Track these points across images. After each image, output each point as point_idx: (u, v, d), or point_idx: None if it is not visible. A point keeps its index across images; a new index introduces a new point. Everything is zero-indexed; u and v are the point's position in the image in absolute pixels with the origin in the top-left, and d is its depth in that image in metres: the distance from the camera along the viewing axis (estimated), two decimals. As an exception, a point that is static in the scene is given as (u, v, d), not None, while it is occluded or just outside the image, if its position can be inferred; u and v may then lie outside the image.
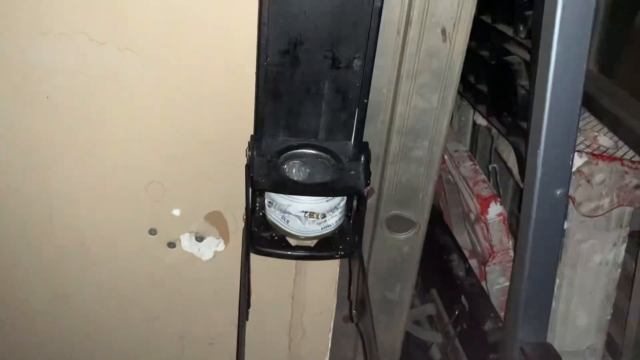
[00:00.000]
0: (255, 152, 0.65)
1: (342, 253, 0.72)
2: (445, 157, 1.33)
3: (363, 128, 0.71)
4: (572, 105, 0.81)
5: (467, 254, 1.34)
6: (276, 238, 0.72)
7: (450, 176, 1.36)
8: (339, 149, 0.69)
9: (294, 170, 0.65)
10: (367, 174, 0.67)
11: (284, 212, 0.66)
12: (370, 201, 1.09)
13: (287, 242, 0.71)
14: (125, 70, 0.69)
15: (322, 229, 0.69)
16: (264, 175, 0.63)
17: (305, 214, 0.66)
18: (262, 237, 0.71)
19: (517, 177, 1.04)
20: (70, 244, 0.82)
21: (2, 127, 0.73)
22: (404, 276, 1.18)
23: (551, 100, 0.80)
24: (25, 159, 0.75)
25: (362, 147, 0.69)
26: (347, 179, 0.66)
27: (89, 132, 0.73)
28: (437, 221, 1.40)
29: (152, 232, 0.82)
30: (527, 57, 0.94)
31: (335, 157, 0.67)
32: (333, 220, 0.70)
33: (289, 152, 0.65)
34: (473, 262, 1.31)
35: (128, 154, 0.75)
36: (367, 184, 0.65)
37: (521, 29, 0.92)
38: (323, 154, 0.67)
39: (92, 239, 0.82)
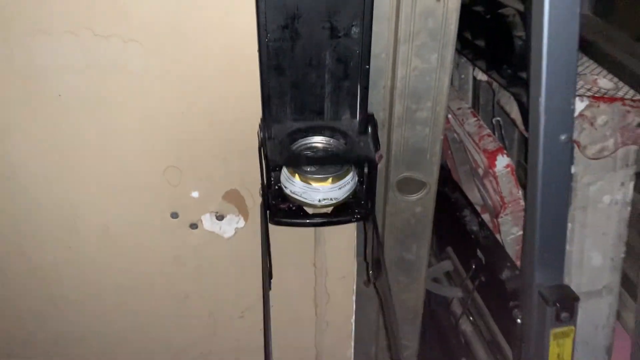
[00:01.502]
0: (266, 135, 0.67)
1: (359, 216, 0.74)
2: (449, 116, 1.34)
3: (367, 96, 0.73)
4: (569, 50, 0.82)
5: (478, 209, 1.36)
6: (294, 208, 0.74)
7: (455, 134, 1.38)
8: (346, 126, 0.71)
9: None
10: (376, 141, 0.69)
11: (300, 195, 0.69)
12: (380, 166, 1.11)
13: (304, 211, 0.74)
14: (132, 61, 0.71)
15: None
16: (278, 153, 0.66)
17: (321, 200, 0.69)
18: (280, 209, 0.74)
19: (522, 127, 1.06)
20: (94, 235, 0.85)
21: (16, 130, 0.76)
22: (419, 235, 1.20)
23: (548, 48, 0.81)
24: (42, 158, 0.78)
25: (368, 120, 0.71)
26: (358, 149, 0.69)
27: (102, 126, 0.76)
28: (446, 179, 1.42)
29: (174, 215, 0.85)
30: (521, 7, 0.95)
31: (343, 135, 0.70)
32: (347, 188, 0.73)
33: (299, 142, 0.68)
34: (485, 217, 1.34)
35: (142, 142, 0.77)
36: (377, 149, 0.68)
37: (512, -20, 0.93)
38: (332, 139, 0.70)
39: (116, 228, 0.85)
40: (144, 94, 0.73)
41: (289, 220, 0.74)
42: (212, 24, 0.70)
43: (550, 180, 0.91)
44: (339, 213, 0.74)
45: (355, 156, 0.68)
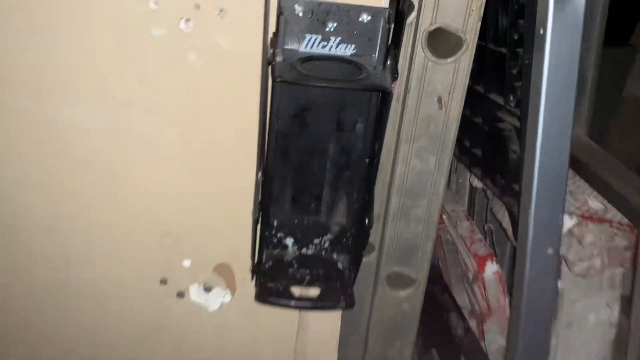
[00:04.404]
0: (277, 52, 0.63)
1: (344, 304, 0.75)
2: (444, 216, 1.38)
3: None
4: (560, 167, 0.87)
5: (466, 314, 1.36)
6: (281, 289, 0.76)
7: (448, 235, 1.40)
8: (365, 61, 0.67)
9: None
10: (394, 72, 0.65)
11: None
12: (371, 258, 1.14)
13: (291, 292, 0.75)
14: (147, 130, 0.75)
15: None
16: (288, 71, 0.62)
17: None
18: (267, 287, 0.76)
19: (512, 237, 1.09)
20: (87, 289, 0.86)
21: (33, 183, 0.79)
22: (404, 333, 1.20)
23: (540, 163, 0.86)
24: (45, 207, 0.81)
25: (388, 52, 0.67)
26: (372, 78, 0.64)
27: (110, 186, 0.79)
28: (436, 280, 1.43)
29: (163, 281, 0.86)
30: (517, 124, 1.00)
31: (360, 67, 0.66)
32: None
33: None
34: (473, 323, 1.33)
35: (145, 206, 0.80)
36: (395, 78, 0.64)
37: (511, 98, 1.00)
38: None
39: (106, 286, 0.86)
40: (153, 161, 0.77)
41: (274, 300, 0.75)
42: (225, 107, 0.75)
43: (535, 291, 0.93)
44: (325, 298, 0.75)
45: (369, 84, 0.64)
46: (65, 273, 0.84)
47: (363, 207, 0.77)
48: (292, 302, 0.74)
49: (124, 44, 0.70)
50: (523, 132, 0.90)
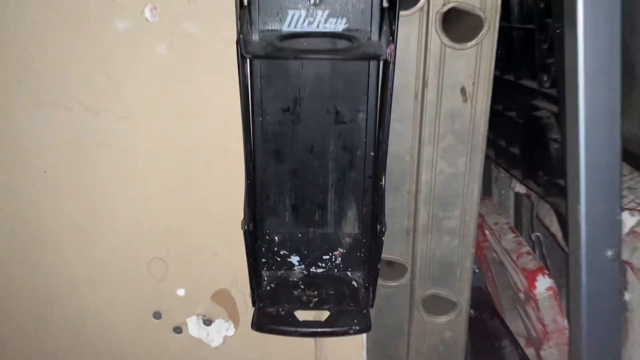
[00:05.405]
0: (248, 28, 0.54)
1: (358, 328, 0.63)
2: (486, 232, 1.23)
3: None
4: (611, 148, 0.73)
5: (523, 342, 1.20)
6: (282, 313, 0.64)
7: (495, 254, 1.26)
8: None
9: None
10: (389, 36, 0.54)
11: None
12: (403, 281, 1.01)
13: (294, 317, 0.63)
14: (122, 139, 0.66)
15: None
16: (261, 47, 0.52)
17: None
18: (266, 312, 0.64)
19: (562, 242, 0.94)
20: (70, 330, 0.77)
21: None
22: None
23: (586, 146, 0.73)
24: (23, 237, 0.72)
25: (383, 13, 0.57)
26: (364, 47, 0.54)
27: (86, 207, 0.70)
28: (484, 304, 1.28)
29: (157, 315, 0.76)
30: (555, 109, 0.88)
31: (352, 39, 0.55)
32: None
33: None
34: (530, 352, 1.17)
35: (127, 228, 0.71)
36: (391, 42, 0.53)
37: (545, 78, 0.87)
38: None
39: (93, 325, 0.77)
40: (131, 175, 0.68)
41: (275, 327, 0.63)
42: (210, 106, 0.65)
43: (595, 304, 0.78)
44: (335, 322, 0.63)
45: (362, 52, 0.54)
46: (47, 313, 0.75)
47: (374, 211, 0.65)
48: (295, 329, 0.62)
49: (86, 40, 0.62)
50: (563, 115, 0.77)
